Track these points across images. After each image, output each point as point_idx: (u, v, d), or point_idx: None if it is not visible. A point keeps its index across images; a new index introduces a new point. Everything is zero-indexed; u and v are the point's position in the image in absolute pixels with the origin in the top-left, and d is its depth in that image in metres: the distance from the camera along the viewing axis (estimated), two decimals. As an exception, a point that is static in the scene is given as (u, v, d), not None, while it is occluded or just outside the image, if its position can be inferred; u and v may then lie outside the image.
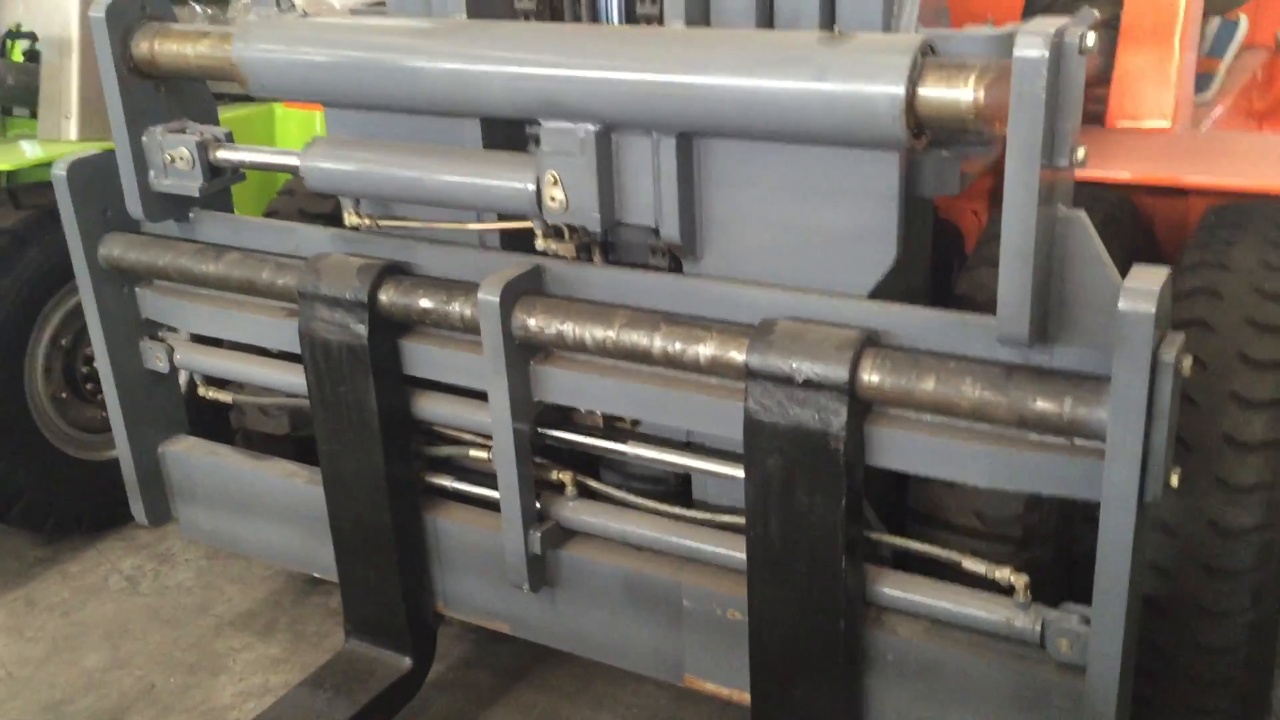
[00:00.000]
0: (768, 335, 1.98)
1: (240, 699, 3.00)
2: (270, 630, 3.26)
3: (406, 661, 2.70)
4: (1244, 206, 2.40)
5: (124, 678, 3.09)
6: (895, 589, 2.11)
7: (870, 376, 1.91)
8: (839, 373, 1.91)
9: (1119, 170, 2.54)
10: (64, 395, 3.53)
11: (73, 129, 3.53)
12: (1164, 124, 2.82)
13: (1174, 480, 1.76)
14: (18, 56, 3.80)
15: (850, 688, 2.13)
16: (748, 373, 1.99)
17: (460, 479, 2.58)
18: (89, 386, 3.57)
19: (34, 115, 3.67)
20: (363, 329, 2.36)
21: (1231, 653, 2.11)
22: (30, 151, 3.50)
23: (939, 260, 2.55)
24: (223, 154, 2.53)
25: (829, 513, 1.98)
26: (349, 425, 2.48)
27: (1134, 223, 2.63)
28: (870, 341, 1.94)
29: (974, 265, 2.37)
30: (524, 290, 2.21)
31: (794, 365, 1.94)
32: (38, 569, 3.57)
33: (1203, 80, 3.34)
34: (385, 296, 2.35)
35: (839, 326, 1.97)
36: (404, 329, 2.43)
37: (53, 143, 3.54)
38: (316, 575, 2.89)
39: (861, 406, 1.95)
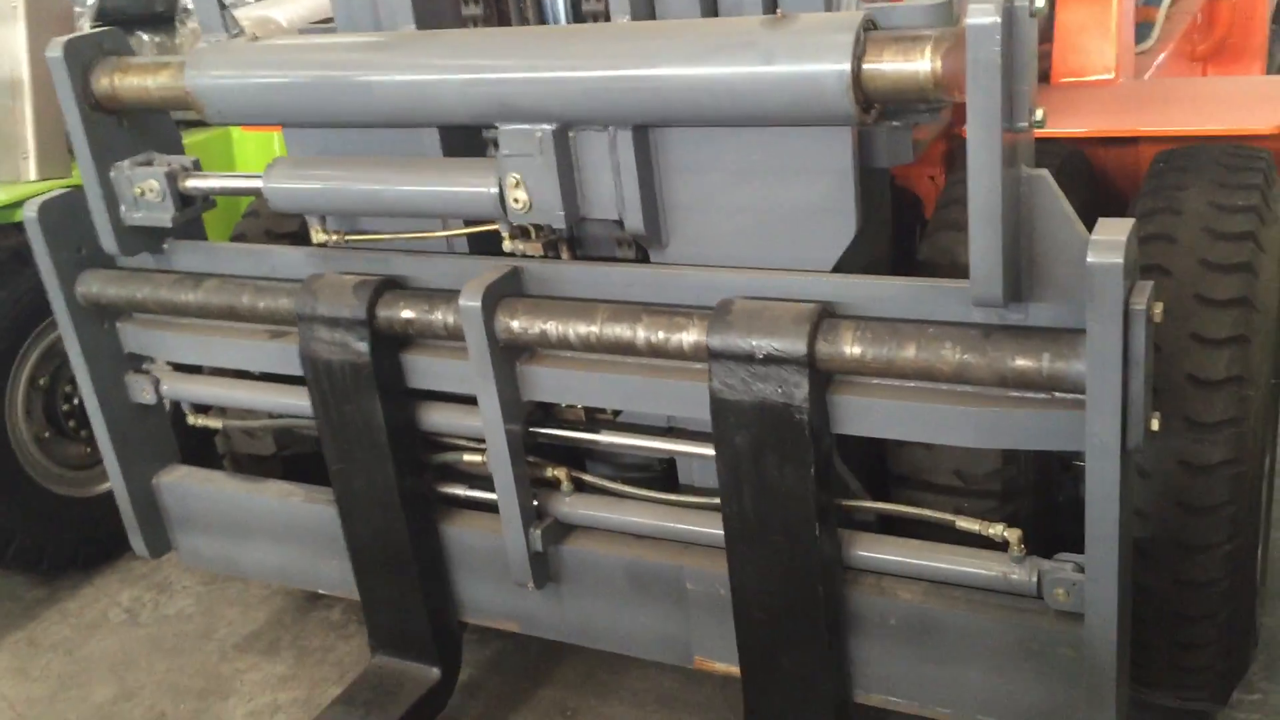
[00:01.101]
0: (726, 315, 2.04)
1: (251, 719, 3.03)
2: (274, 649, 3.28)
3: (435, 672, 2.71)
4: (1190, 150, 2.46)
5: (134, 709, 3.12)
6: (893, 554, 2.17)
7: (828, 347, 1.97)
8: (797, 346, 1.96)
9: (1072, 126, 2.59)
10: (47, 435, 3.54)
11: (31, 169, 3.53)
12: (1108, 76, 2.88)
13: (1154, 425, 1.82)
14: (-32, 101, 3.80)
15: (835, 650, 2.19)
16: (710, 354, 2.04)
17: (456, 484, 2.61)
18: (72, 424, 3.58)
19: (-10, 159, 3.66)
20: (364, 346, 2.37)
21: (1213, 586, 2.17)
22: (-9, 195, 3.50)
23: (900, 227, 2.60)
24: (192, 183, 2.55)
25: (800, 482, 2.04)
26: (358, 443, 2.48)
27: (1087, 173, 2.69)
28: (827, 313, 2.00)
29: (934, 230, 2.42)
30: (504, 293, 2.25)
31: (754, 342, 1.99)
32: (37, 609, 3.58)
33: (1143, 29, 3.41)
34: (384, 312, 2.37)
35: (801, 301, 2.02)
36: (405, 343, 2.45)
37: (12, 185, 3.54)
38: (321, 592, 2.92)
39: (822, 377, 2.01)
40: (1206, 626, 2.22)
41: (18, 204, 3.34)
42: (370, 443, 2.47)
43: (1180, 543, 2.14)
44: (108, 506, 3.10)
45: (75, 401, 3.53)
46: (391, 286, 2.40)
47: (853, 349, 1.95)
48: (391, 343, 2.43)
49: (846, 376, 2.03)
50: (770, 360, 1.99)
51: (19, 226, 3.12)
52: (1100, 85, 2.89)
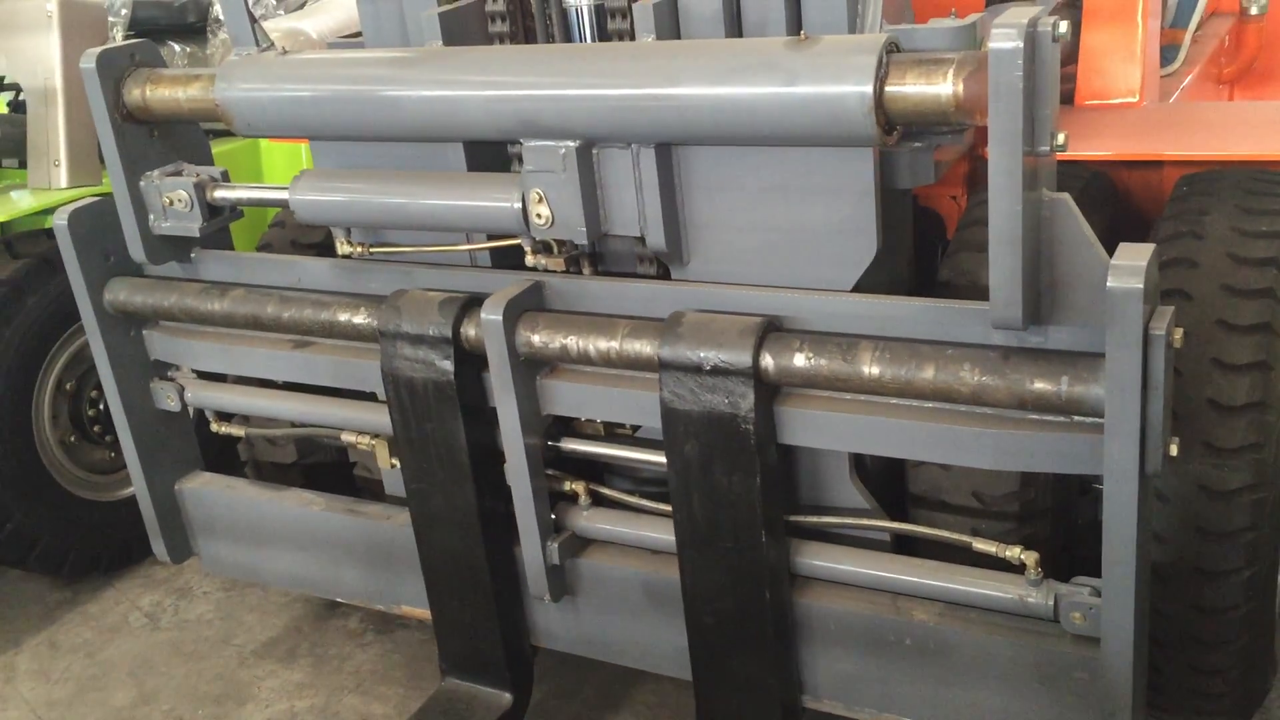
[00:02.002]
0: (676, 327, 2.08)
1: (268, 725, 3.05)
2: (292, 656, 3.30)
3: (506, 697, 2.65)
4: (1213, 174, 2.46)
5: (152, 713, 3.14)
6: (911, 574, 2.17)
7: (773, 360, 2.01)
8: (742, 358, 2.01)
9: (1096, 148, 2.60)
10: (72, 439, 3.58)
11: (63, 177, 3.58)
12: (1132, 99, 2.88)
13: (1173, 450, 1.82)
14: (2, 108, 3.86)
15: (781, 655, 2.22)
16: (660, 364, 2.08)
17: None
18: (96, 429, 3.62)
19: (23, 166, 3.71)
20: (449, 365, 2.35)
21: (1231, 611, 2.16)
22: (23, 201, 3.55)
23: (922, 247, 2.61)
24: (220, 193, 2.58)
25: (746, 491, 2.08)
26: (438, 463, 2.45)
27: (1111, 196, 2.69)
28: (773, 326, 2.04)
29: (955, 250, 2.42)
30: (526, 307, 2.26)
31: (702, 354, 2.03)
32: (59, 612, 3.61)
33: (1168, 51, 3.40)
34: (468, 330, 2.34)
35: (747, 315, 2.07)
36: (488, 361, 2.36)
37: (44, 191, 3.59)
38: (339, 600, 2.94)
39: (768, 389, 2.05)
40: (1224, 652, 2.21)
41: (48, 211, 3.39)
42: (450, 462, 2.43)
43: (1199, 568, 2.13)
44: (130, 511, 3.13)
45: (100, 407, 3.57)
46: (476, 304, 2.33)
47: (794, 361, 2.00)
48: (476, 362, 2.37)
49: (793, 388, 2.07)
50: (717, 372, 2.03)
51: (49, 233, 3.17)
52: (1125, 108, 2.89)
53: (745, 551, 2.14)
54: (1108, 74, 2.90)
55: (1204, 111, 3.15)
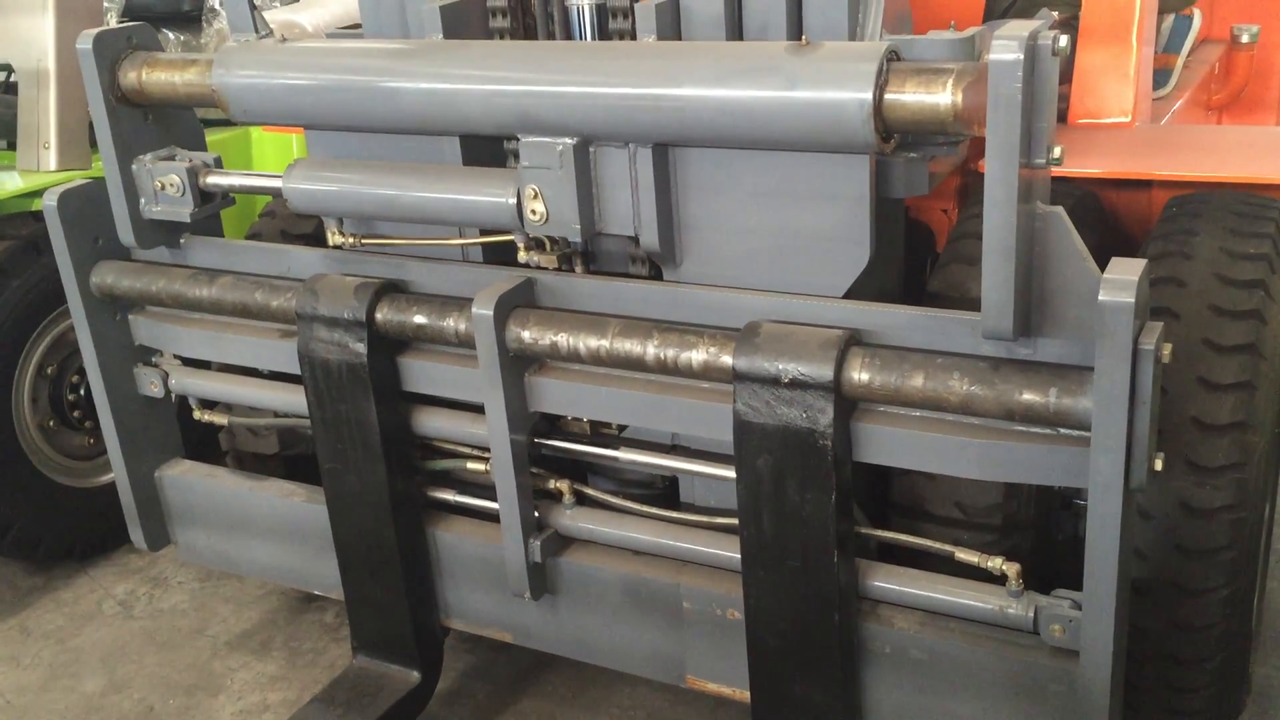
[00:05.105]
0: (753, 338, 2.03)
1: (240, 717, 3.02)
2: (266, 649, 3.28)
3: (415, 675, 2.72)
4: (1203, 196, 2.48)
5: (123, 701, 3.12)
6: (892, 583, 2.17)
7: (855, 374, 1.96)
8: (824, 372, 1.96)
9: (1087, 167, 2.62)
10: (51, 424, 3.55)
11: (52, 159, 3.55)
12: (1124, 119, 2.90)
13: (1158, 465, 1.83)
14: (-7, 89, 3.83)
15: (847, 680, 2.17)
16: (735, 375, 2.03)
17: (459, 491, 2.62)
18: (76, 414, 3.59)
19: (12, 147, 3.69)
20: (362, 347, 2.39)
21: (1208, 630, 2.17)
22: (10, 183, 3.52)
23: (912, 259, 2.62)
24: (212, 179, 2.57)
25: (820, 509, 2.03)
26: (350, 443, 2.50)
27: (1099, 215, 2.71)
28: (854, 340, 1.99)
29: (946, 262, 2.43)
30: (517, 303, 2.26)
31: (780, 366, 1.99)
32: (31, 597, 3.58)
33: (1160, 76, 3.44)
34: (382, 314, 2.38)
35: (823, 327, 2.02)
36: (402, 346, 2.46)
37: (32, 173, 3.57)
38: (316, 593, 2.93)
39: (847, 404, 2.00)
40: (1200, 670, 2.22)
41: (36, 193, 3.37)
42: (363, 444, 2.48)
43: (1178, 585, 2.14)
44: (107, 498, 3.11)
45: (81, 392, 3.55)
46: (392, 290, 2.41)
47: (880, 376, 1.94)
48: (389, 345, 2.44)
49: (871, 404, 2.02)
50: (796, 385, 1.98)
51: (36, 215, 3.15)
52: (1116, 128, 2.91)
53: (815, 571, 2.09)
54: (1101, 94, 2.92)
55: (1195, 134, 3.18)
